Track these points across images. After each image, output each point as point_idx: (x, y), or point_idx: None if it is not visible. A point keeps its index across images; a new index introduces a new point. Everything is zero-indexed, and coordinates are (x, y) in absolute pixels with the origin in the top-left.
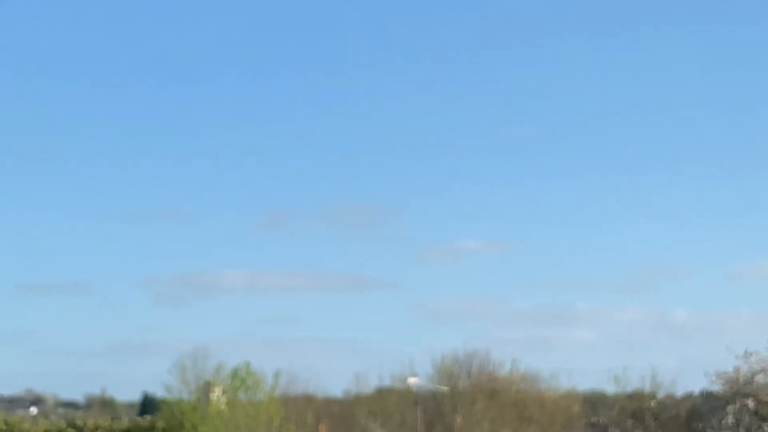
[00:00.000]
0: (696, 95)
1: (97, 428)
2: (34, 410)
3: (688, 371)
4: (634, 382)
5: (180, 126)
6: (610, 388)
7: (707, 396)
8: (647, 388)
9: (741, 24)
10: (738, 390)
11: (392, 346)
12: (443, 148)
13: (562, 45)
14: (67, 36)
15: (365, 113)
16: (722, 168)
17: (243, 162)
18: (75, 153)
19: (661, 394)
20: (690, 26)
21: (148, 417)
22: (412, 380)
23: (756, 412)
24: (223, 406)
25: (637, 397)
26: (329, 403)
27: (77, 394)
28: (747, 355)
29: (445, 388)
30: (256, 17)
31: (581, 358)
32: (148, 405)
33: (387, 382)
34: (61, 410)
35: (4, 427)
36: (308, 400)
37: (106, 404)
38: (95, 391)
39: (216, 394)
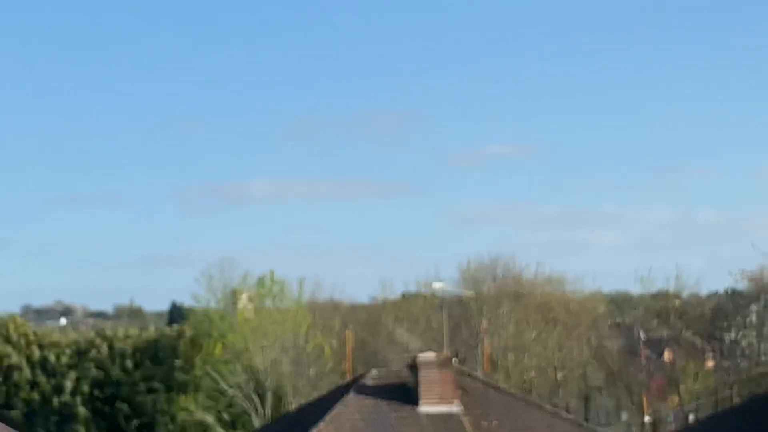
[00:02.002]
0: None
1: (126, 338)
2: (63, 321)
3: (714, 270)
4: (659, 283)
5: (207, 36)
6: (635, 289)
7: (732, 294)
8: (672, 287)
9: None
10: (762, 287)
11: (418, 252)
12: (468, 53)
13: None
14: None
15: (391, 21)
16: (745, 67)
17: (269, 72)
18: (104, 65)
19: (685, 294)
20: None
21: (175, 326)
22: (438, 285)
23: None
24: (250, 314)
25: (662, 296)
26: (355, 309)
27: (106, 305)
28: None
29: (470, 293)
30: None
31: (607, 260)
32: (176, 314)
33: (412, 288)
34: (90, 321)
35: (34, 338)
36: (334, 306)
37: (134, 314)
38: (124, 301)
39: (243, 302)
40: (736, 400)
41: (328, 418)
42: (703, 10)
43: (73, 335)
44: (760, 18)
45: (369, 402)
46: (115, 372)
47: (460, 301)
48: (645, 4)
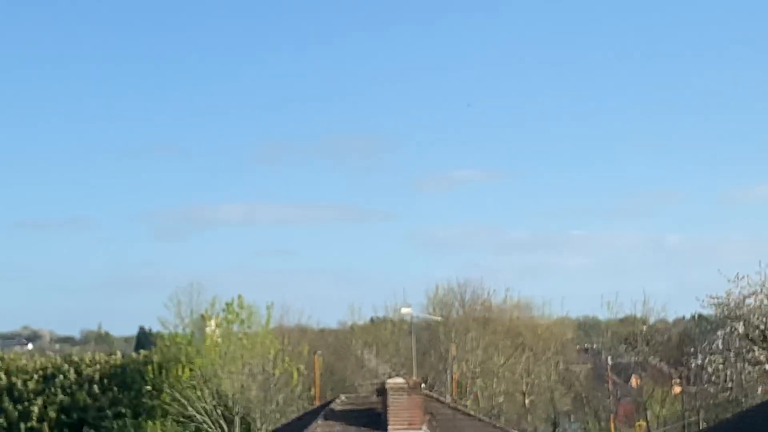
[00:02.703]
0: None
1: (93, 363)
2: (30, 346)
3: (681, 295)
4: (626, 308)
5: (176, 60)
6: (602, 314)
7: (698, 320)
8: (639, 313)
9: None
10: (729, 314)
11: (388, 276)
12: (439, 78)
13: None
14: None
15: (361, 44)
16: (714, 93)
17: (239, 96)
18: (73, 86)
19: (652, 319)
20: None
21: (143, 351)
22: (406, 310)
23: (746, 336)
24: (218, 339)
25: (629, 322)
26: (324, 334)
27: (73, 330)
28: (738, 278)
29: (438, 318)
30: None
31: (575, 284)
32: (144, 339)
33: (381, 313)
34: (57, 346)
35: (0, 364)
36: (303, 331)
37: (101, 339)
38: (91, 326)
39: (211, 327)
40: (703, 425)
41: None
42: (668, 35)
43: (39, 360)
44: (726, 45)
45: (338, 427)
46: (82, 397)
47: (428, 326)
48: (612, 30)
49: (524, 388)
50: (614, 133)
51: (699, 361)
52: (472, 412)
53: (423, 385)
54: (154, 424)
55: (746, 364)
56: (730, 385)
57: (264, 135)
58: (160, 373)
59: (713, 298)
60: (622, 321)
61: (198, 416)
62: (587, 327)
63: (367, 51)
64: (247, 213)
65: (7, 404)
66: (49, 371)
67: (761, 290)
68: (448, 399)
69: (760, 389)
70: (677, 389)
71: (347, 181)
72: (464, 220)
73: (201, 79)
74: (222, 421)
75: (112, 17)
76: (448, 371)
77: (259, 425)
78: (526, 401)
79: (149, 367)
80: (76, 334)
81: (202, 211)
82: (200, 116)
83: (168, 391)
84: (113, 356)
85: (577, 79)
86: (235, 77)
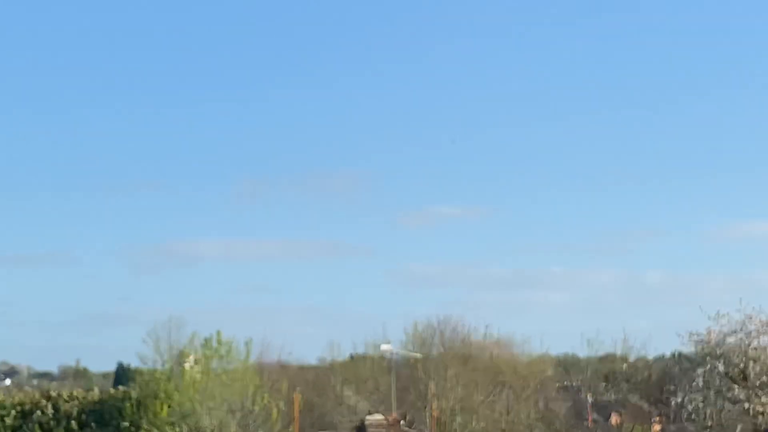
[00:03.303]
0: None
1: (71, 399)
2: (8, 382)
3: (661, 333)
4: (606, 345)
5: (155, 95)
6: (582, 352)
7: (679, 358)
8: (619, 351)
9: None
10: (709, 352)
11: (367, 312)
12: (419, 114)
13: None
14: None
15: (340, 81)
16: (695, 131)
17: (220, 132)
18: (51, 121)
19: (633, 357)
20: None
21: (121, 388)
22: (386, 347)
23: (726, 374)
24: (197, 375)
25: (609, 359)
26: (304, 370)
27: (52, 366)
28: (719, 316)
29: (418, 354)
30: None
31: (556, 321)
32: (122, 375)
33: (361, 349)
34: (35, 381)
35: None
36: (282, 367)
37: (80, 375)
38: (70, 362)
39: (190, 363)
40: None
41: None
42: (650, 80)
43: (17, 396)
44: (706, 87)
45: None
46: None
47: (408, 363)
48: (589, 69)
49: (504, 425)
50: (595, 171)
51: (679, 399)
52: None
53: (402, 422)
54: None
55: (726, 403)
56: (710, 423)
57: (245, 171)
58: (138, 409)
59: (694, 336)
60: (602, 359)
61: None
62: (567, 364)
63: (349, 87)
64: (228, 249)
65: None
66: (27, 407)
67: (741, 329)
68: None
69: (739, 428)
70: (657, 427)
71: (328, 218)
72: (444, 257)
73: (182, 115)
74: None
75: (92, 50)
76: (428, 408)
77: None
78: None
79: (127, 403)
80: (54, 369)
81: (182, 247)
82: (182, 152)
83: (146, 427)
84: (91, 392)
85: (558, 116)
86: (217, 113)
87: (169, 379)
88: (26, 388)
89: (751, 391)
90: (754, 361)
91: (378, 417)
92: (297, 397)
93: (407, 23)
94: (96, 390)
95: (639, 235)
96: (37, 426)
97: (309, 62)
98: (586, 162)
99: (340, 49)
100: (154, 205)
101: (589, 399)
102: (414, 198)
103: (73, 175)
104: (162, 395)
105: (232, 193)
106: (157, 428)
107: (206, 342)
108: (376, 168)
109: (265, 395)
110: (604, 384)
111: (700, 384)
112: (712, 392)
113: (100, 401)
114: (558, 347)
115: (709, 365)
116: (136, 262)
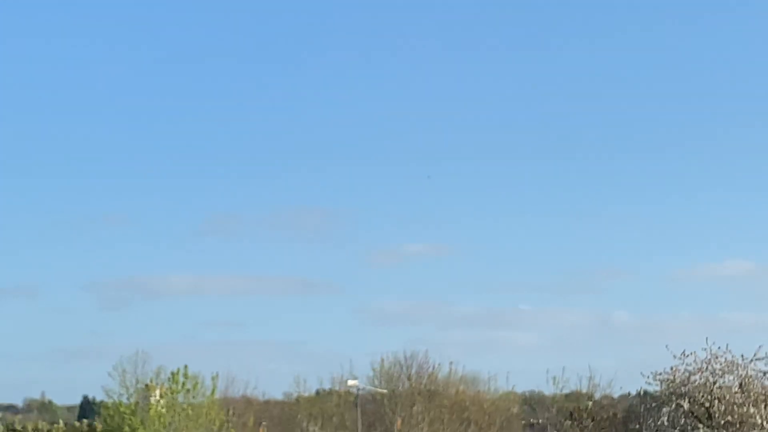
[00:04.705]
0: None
1: None
2: None
3: (628, 372)
4: (572, 383)
5: (123, 130)
6: (548, 389)
7: (644, 396)
8: (585, 388)
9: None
10: (674, 390)
11: (334, 349)
12: (387, 151)
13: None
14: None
15: (309, 116)
16: (663, 172)
17: (187, 165)
18: (16, 156)
19: (598, 395)
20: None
21: (86, 421)
22: (352, 383)
23: (691, 413)
24: (162, 410)
25: (574, 397)
26: (269, 405)
27: (17, 398)
28: (685, 355)
29: (384, 391)
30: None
31: (522, 360)
32: (87, 409)
33: (327, 385)
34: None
35: None
36: (248, 402)
37: (45, 408)
38: (35, 395)
39: (155, 397)
40: None
41: None
42: (620, 117)
43: None
44: (679, 129)
45: None
46: None
47: (374, 399)
48: (558, 113)
49: None
50: (563, 211)
51: None
52: None
53: None
54: None
55: None
56: None
57: (214, 206)
58: None
59: (659, 375)
60: (567, 396)
61: None
62: (533, 402)
63: (313, 123)
64: (195, 283)
65: None
66: None
67: (707, 368)
68: None
69: None
70: None
71: (296, 254)
72: (413, 294)
73: (150, 149)
74: None
75: (61, 82)
76: None
77: None
78: None
79: None
80: (19, 402)
81: (149, 281)
82: (149, 186)
83: None
84: (56, 425)
85: (528, 155)
86: (185, 147)
87: (134, 413)
88: None
89: (716, 431)
90: (719, 401)
91: None
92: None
93: (382, 60)
94: (61, 423)
95: (607, 275)
96: None
97: (280, 98)
98: (555, 200)
99: (312, 83)
100: (122, 239)
101: None
102: (383, 235)
103: (41, 208)
104: (127, 429)
105: (202, 228)
106: None
107: (173, 376)
108: (346, 205)
109: (231, 430)
110: (569, 422)
111: (665, 422)
112: (677, 431)
113: None
114: (524, 384)
115: (674, 404)
116: (103, 296)
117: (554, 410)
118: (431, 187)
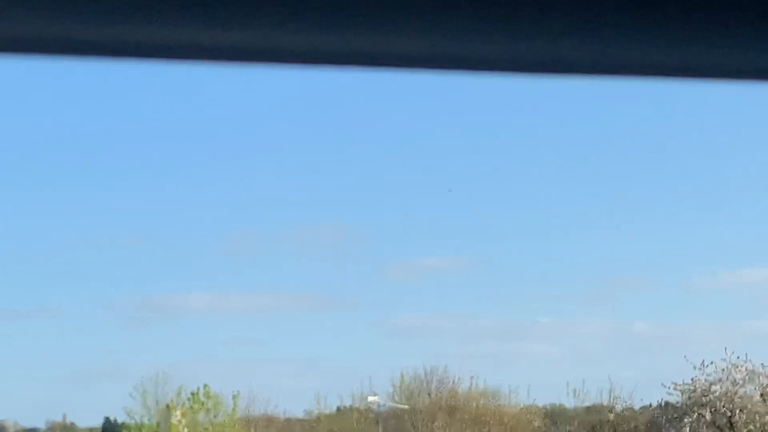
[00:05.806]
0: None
1: None
2: None
3: (648, 383)
4: (592, 395)
5: (143, 147)
6: (569, 402)
7: (665, 407)
8: (605, 401)
9: None
10: (695, 401)
11: (354, 365)
12: (405, 166)
13: None
14: None
15: (328, 133)
16: (682, 180)
17: (208, 187)
18: (38, 174)
19: (619, 407)
20: None
21: None
22: (372, 399)
23: (713, 423)
24: (184, 430)
25: (595, 410)
26: (290, 423)
27: (38, 421)
28: (704, 365)
29: (404, 406)
30: None
31: (542, 372)
32: (109, 430)
33: (348, 401)
34: None
35: None
36: (269, 420)
37: (67, 430)
38: (57, 417)
39: (176, 417)
40: None
41: None
42: (642, 126)
43: None
44: (693, 135)
45: None
46: None
47: (395, 415)
48: (569, 122)
49: None
50: (581, 222)
51: None
52: None
53: None
54: None
55: None
56: None
57: (234, 225)
58: None
59: (679, 385)
60: (588, 409)
61: None
62: (554, 415)
63: (332, 139)
64: (215, 302)
65: None
66: None
67: (727, 377)
68: None
69: None
70: None
71: (314, 270)
72: (431, 309)
73: (167, 170)
74: None
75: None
76: None
77: None
78: None
79: None
80: (41, 425)
81: (169, 300)
82: (170, 205)
83: None
84: None
85: (547, 164)
86: (203, 168)
87: None
88: None
89: None
90: (741, 410)
91: None
92: None
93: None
94: None
95: (625, 285)
96: None
97: (292, 112)
98: (573, 212)
99: (327, 107)
100: (142, 259)
101: None
102: (401, 250)
103: (63, 229)
104: None
105: (221, 248)
106: None
107: (193, 396)
108: (364, 220)
109: None
110: None
111: None
112: None
113: None
114: (545, 398)
115: (696, 414)
116: (124, 316)
117: (575, 423)
118: (450, 199)
